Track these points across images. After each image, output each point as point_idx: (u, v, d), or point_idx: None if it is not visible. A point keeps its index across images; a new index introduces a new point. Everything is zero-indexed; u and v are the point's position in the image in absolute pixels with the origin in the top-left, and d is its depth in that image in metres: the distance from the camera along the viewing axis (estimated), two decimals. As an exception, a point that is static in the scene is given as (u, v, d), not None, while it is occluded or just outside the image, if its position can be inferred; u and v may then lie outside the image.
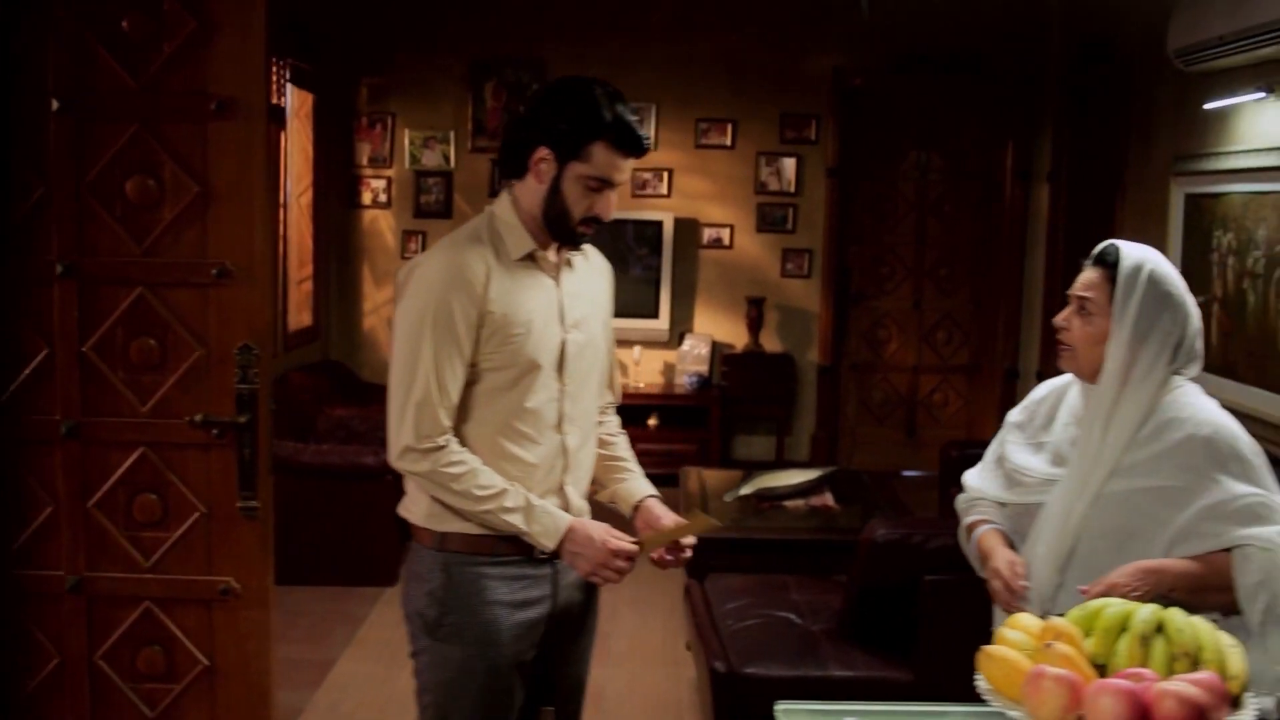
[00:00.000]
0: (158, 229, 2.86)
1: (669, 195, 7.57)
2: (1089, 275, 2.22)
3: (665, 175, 7.56)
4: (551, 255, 2.23)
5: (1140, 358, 2.16)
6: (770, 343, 7.66)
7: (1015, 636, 1.67)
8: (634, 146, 2.10)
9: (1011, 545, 2.34)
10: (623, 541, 2.14)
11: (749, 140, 7.55)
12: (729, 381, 7.49)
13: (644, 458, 7.10)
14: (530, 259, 2.19)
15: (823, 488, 5.04)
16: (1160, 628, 1.65)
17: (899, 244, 7.79)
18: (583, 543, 2.12)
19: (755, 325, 7.55)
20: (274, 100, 6.32)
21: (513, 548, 2.19)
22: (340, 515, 5.25)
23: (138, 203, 2.86)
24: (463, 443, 2.16)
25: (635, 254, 7.46)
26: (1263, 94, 4.55)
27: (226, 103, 2.80)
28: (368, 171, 7.58)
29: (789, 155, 7.56)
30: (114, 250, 2.87)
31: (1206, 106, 4.99)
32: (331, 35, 7.17)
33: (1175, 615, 1.66)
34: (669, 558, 2.25)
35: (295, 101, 6.86)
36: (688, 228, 7.57)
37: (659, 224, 7.45)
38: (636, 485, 2.44)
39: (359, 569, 5.20)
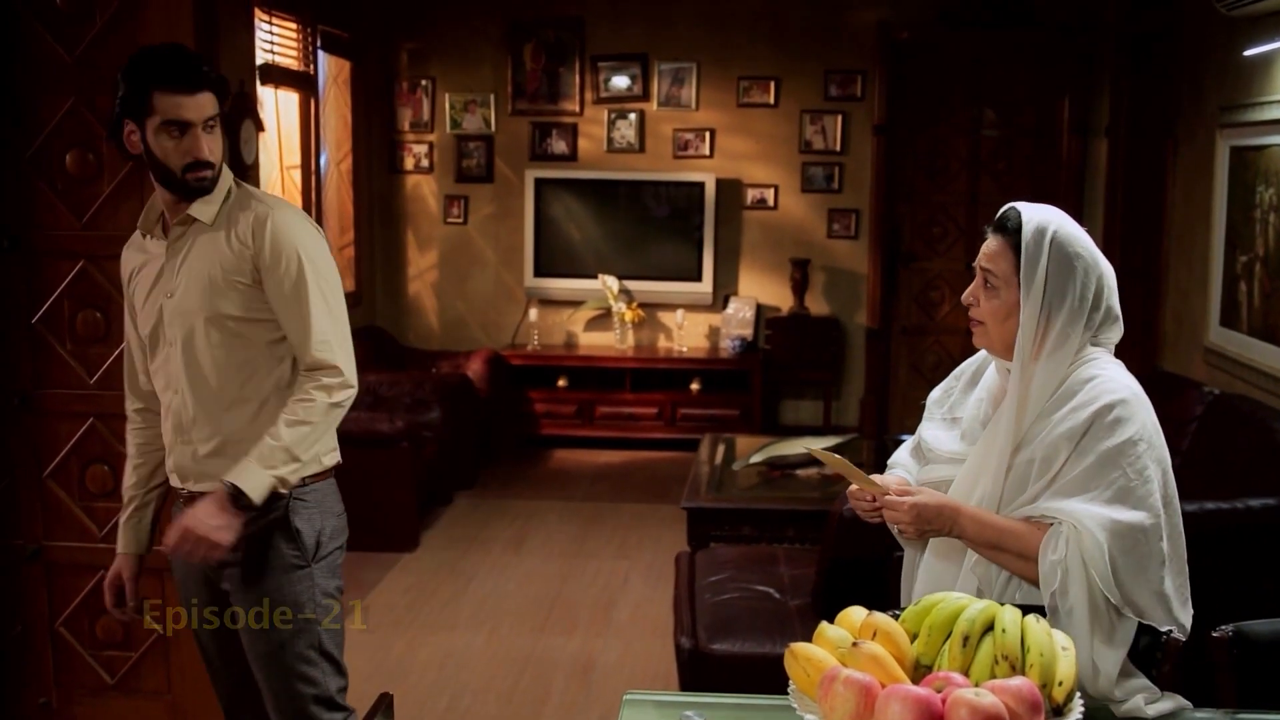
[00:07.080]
0: (97, 202, 2.87)
1: (711, 156, 7.43)
2: (991, 244, 2.06)
3: (707, 135, 7.41)
4: (176, 223, 2.32)
5: (1052, 327, 2.01)
6: (816, 305, 7.49)
7: (835, 633, 1.56)
8: (183, 79, 2.17)
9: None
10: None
11: (792, 98, 7.36)
12: (773, 345, 7.36)
13: (686, 422, 7.15)
14: (163, 230, 2.31)
15: (840, 455, 4.90)
16: (992, 628, 1.52)
17: (950, 203, 7.53)
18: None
19: (800, 288, 7.39)
20: (304, 68, 6.34)
21: None
22: (355, 482, 5.25)
23: (77, 176, 2.87)
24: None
25: (677, 216, 7.36)
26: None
27: (157, 73, 2.78)
28: (409, 136, 7.58)
29: (834, 113, 7.35)
30: (55, 224, 2.89)
31: (1247, 53, 4.69)
32: (366, 1, 7.16)
33: (1005, 614, 1.53)
34: None
35: (332, 69, 6.87)
36: (731, 189, 7.43)
37: (701, 185, 7.31)
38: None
39: (373, 536, 5.22)
